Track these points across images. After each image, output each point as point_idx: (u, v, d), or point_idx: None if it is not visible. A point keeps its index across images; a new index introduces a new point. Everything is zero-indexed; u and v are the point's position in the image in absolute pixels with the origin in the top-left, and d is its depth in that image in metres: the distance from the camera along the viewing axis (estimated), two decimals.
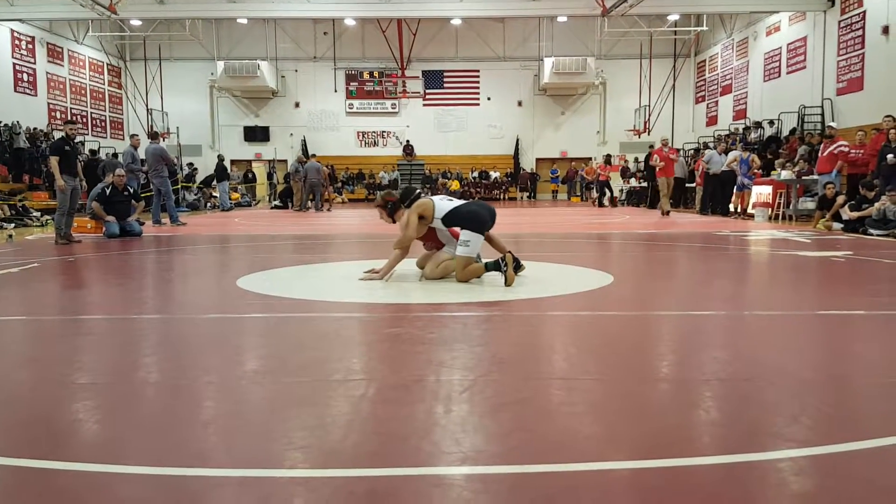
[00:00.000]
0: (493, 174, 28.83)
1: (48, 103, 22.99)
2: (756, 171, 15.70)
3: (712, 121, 25.50)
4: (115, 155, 15.35)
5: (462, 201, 5.63)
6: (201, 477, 1.95)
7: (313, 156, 21.51)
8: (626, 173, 24.48)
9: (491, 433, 2.26)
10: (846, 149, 12.74)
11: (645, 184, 22.24)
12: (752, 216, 14.76)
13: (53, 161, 9.22)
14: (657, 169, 16.19)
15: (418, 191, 5.90)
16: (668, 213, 15.89)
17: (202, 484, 1.92)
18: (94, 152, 21.40)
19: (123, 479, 1.93)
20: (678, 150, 19.53)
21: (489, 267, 5.34)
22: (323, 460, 2.05)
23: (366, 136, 29.58)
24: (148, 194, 13.89)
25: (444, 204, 5.53)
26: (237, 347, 3.65)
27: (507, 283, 5.16)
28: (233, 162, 26.89)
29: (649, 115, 26.76)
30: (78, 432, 2.36)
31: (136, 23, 24.75)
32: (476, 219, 5.41)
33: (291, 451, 2.12)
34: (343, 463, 2.02)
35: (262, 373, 3.10)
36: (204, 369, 3.14)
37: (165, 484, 1.90)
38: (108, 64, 27.08)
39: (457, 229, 5.49)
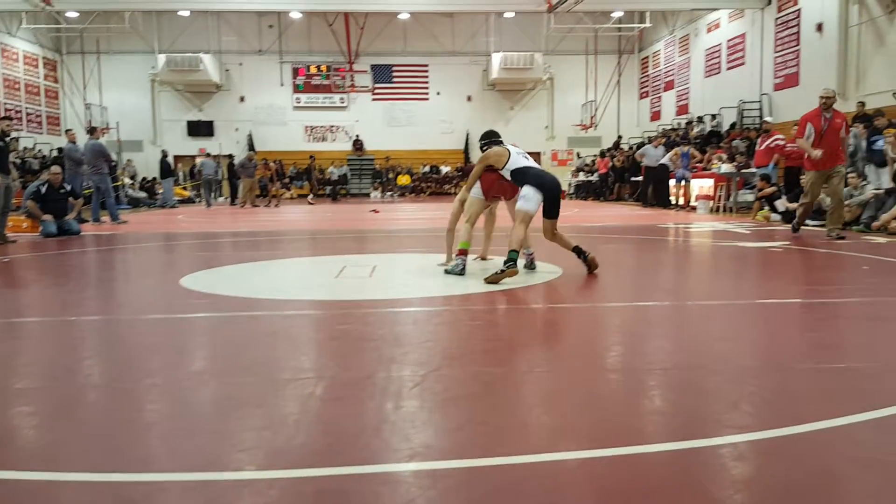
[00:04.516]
0: (444, 168, 28.83)
1: None
2: (696, 164, 16.11)
3: (656, 116, 26.01)
4: (59, 150, 14.77)
5: (533, 164, 5.62)
6: (143, 482, 1.89)
7: (207, 154, 22.05)
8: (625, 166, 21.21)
9: (441, 428, 2.26)
10: (782, 142, 13.15)
11: (593, 177, 22.51)
12: (694, 208, 15.14)
13: None
14: (807, 157, 8.60)
15: (496, 139, 5.84)
16: (839, 237, 8.18)
17: (144, 489, 1.87)
18: (60, 150, 20.69)
19: (63, 487, 1.87)
20: (845, 119, 9.53)
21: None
22: (270, 461, 2.01)
23: (314, 130, 29.20)
24: (87, 192, 13.46)
25: (518, 159, 5.55)
26: (181, 348, 3.56)
27: (591, 268, 5.59)
28: (176, 157, 26.20)
29: (595, 110, 27.14)
30: (15, 439, 2.27)
31: (72, 14, 23.88)
32: (539, 179, 5.47)
33: (237, 452, 2.08)
34: (291, 463, 1.99)
35: (208, 373, 3.04)
36: (146, 371, 3.06)
37: (106, 490, 1.85)
38: (43, 57, 26.06)
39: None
